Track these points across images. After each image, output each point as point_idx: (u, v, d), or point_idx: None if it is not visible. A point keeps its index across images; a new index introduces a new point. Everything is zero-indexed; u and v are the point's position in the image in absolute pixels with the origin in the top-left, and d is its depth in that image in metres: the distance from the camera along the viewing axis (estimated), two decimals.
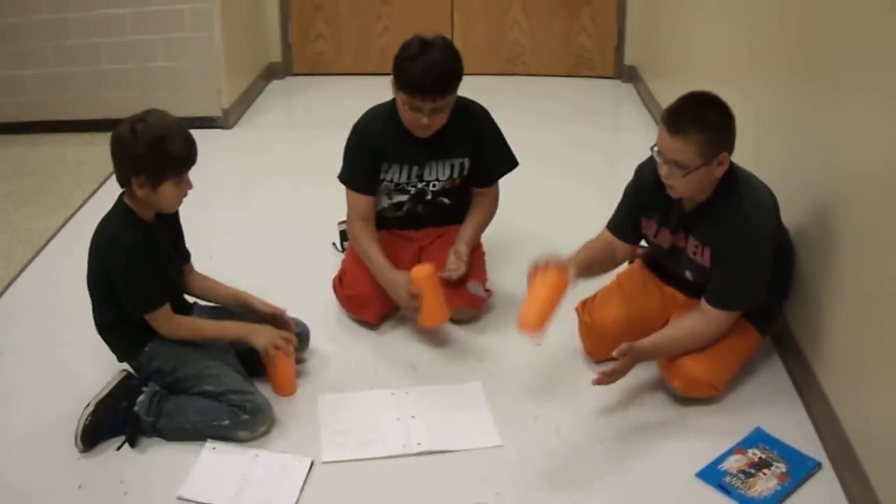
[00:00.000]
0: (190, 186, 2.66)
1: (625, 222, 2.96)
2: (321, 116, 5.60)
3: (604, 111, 5.88)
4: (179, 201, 2.68)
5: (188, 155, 2.60)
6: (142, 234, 2.62)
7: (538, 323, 2.72)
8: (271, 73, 6.30)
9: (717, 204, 2.67)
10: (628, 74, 6.21)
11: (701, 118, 2.58)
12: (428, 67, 2.95)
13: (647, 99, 5.70)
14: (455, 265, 3.15)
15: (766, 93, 3.37)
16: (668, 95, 5.18)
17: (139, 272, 2.60)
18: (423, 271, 3.03)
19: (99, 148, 4.67)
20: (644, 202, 2.86)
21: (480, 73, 5.95)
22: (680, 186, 2.65)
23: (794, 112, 3.06)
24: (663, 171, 2.65)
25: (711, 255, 2.70)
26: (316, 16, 6.31)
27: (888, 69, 2.30)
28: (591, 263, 2.93)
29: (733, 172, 2.68)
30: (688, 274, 2.83)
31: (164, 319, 2.68)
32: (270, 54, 6.29)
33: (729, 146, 2.63)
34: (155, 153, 2.53)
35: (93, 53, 5.09)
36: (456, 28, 6.28)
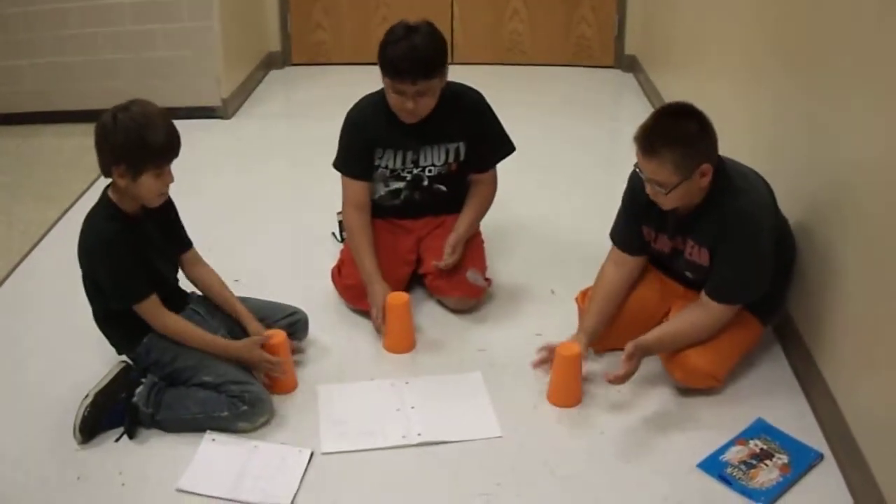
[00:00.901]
0: (171, 180, 2.63)
1: (629, 233, 2.92)
2: (320, 106, 5.58)
3: (604, 101, 5.86)
4: (161, 194, 2.64)
5: (168, 146, 2.57)
6: (123, 227, 2.59)
7: (569, 400, 2.79)
8: (270, 62, 6.29)
9: (712, 205, 2.65)
10: (628, 64, 6.19)
11: (672, 135, 2.55)
12: (409, 50, 2.95)
13: (647, 88, 5.69)
14: (446, 254, 3.15)
15: (768, 83, 3.35)
16: (668, 85, 5.20)
17: (119, 265, 2.58)
18: (396, 299, 3.03)
19: None
20: (639, 211, 2.83)
21: (480, 63, 5.93)
22: (667, 202, 2.65)
23: (796, 102, 3.04)
24: (648, 189, 2.65)
25: (710, 253, 2.69)
26: (315, 5, 6.29)
27: (891, 62, 2.29)
28: (603, 320, 2.89)
29: (725, 171, 2.65)
30: (688, 274, 2.83)
31: (152, 312, 2.66)
32: (270, 44, 6.28)
33: (709, 156, 2.59)
34: (134, 142, 2.51)
35: (91, 43, 5.07)
36: (456, 17, 6.26)
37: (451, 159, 3.24)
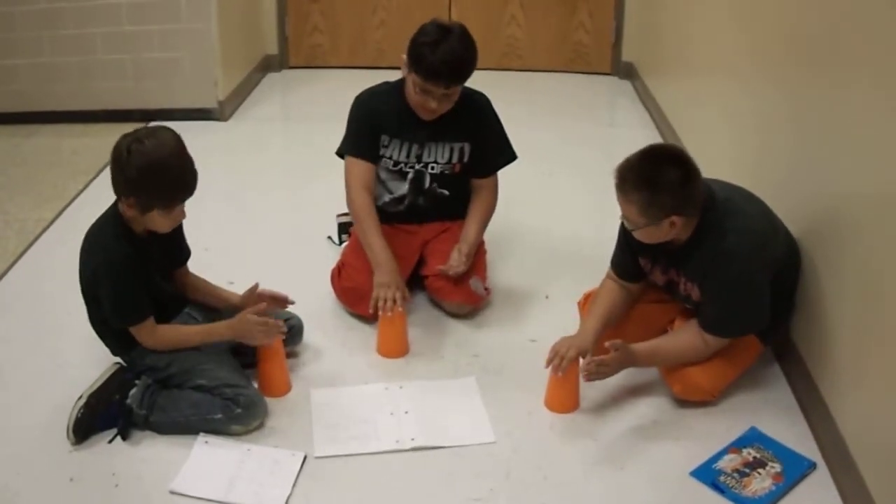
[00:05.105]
0: (182, 217, 2.62)
1: (626, 263, 2.89)
2: (317, 109, 5.59)
3: (600, 107, 5.87)
4: (170, 228, 2.63)
5: (180, 189, 2.54)
6: (131, 249, 2.57)
7: (566, 406, 2.78)
8: (267, 65, 6.29)
9: (699, 243, 2.62)
10: (625, 70, 6.20)
11: (645, 179, 2.51)
12: (447, 55, 2.98)
13: (643, 95, 5.69)
14: (456, 262, 3.14)
15: (766, 91, 3.35)
16: (665, 92, 5.21)
17: (124, 287, 2.58)
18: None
19: (93, 139, 4.65)
20: (633, 241, 2.75)
21: (477, 68, 5.92)
22: (638, 236, 2.64)
23: (796, 112, 3.02)
24: (621, 216, 2.65)
25: (700, 290, 2.68)
26: (312, 8, 6.29)
27: (893, 68, 2.29)
28: (607, 323, 2.83)
29: (714, 206, 2.61)
30: (687, 305, 2.82)
31: (147, 333, 2.65)
32: (267, 47, 6.28)
33: (682, 208, 2.53)
34: (144, 182, 2.48)
35: (88, 44, 5.07)
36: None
37: (455, 159, 3.25)
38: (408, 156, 3.24)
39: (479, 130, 3.25)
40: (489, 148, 3.30)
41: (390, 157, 3.24)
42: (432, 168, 3.27)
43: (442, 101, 3.07)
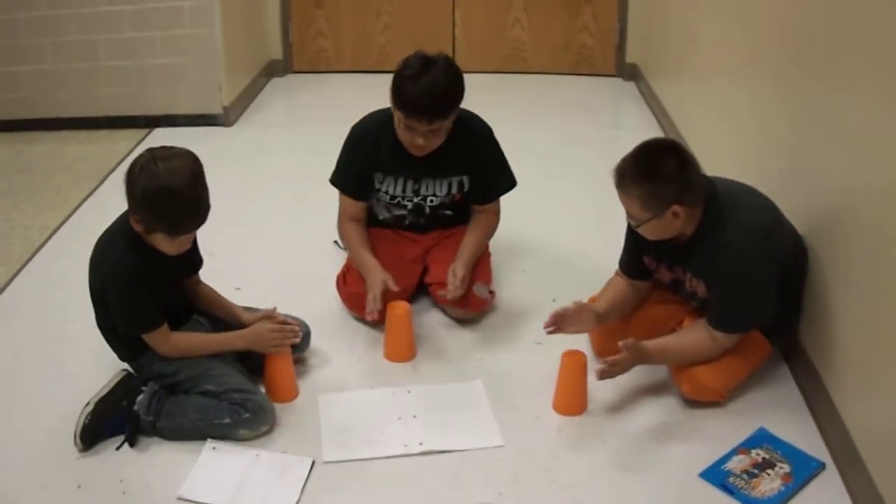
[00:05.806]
0: (187, 245, 2.61)
1: (632, 262, 2.91)
2: (322, 114, 5.59)
3: (605, 109, 5.86)
4: (175, 252, 2.60)
5: (183, 220, 2.51)
6: (140, 260, 2.56)
7: (574, 408, 2.78)
8: (272, 70, 6.29)
9: (703, 238, 2.63)
10: (630, 72, 6.20)
11: (642, 172, 2.54)
12: (427, 89, 2.88)
13: (648, 97, 5.69)
14: (452, 286, 3.08)
15: (769, 92, 3.35)
16: (669, 93, 5.21)
17: (134, 297, 2.57)
18: (397, 308, 3.02)
19: (97, 145, 4.64)
20: (639, 240, 2.77)
21: (481, 71, 5.93)
22: (644, 233, 2.65)
23: (799, 112, 3.02)
24: (627, 217, 2.67)
25: (706, 286, 2.69)
26: (317, 13, 6.30)
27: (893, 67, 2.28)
28: (615, 307, 2.88)
29: (717, 201, 2.62)
30: (693, 303, 2.83)
31: (161, 341, 2.65)
32: (271, 52, 6.29)
33: (683, 197, 2.54)
34: (147, 205, 2.46)
35: (91, 50, 5.07)
36: (457, 25, 6.27)
37: (454, 191, 3.23)
38: (404, 190, 3.20)
39: (477, 162, 3.20)
40: (488, 177, 3.26)
41: (386, 192, 3.21)
42: (431, 201, 3.25)
43: (428, 137, 2.98)
